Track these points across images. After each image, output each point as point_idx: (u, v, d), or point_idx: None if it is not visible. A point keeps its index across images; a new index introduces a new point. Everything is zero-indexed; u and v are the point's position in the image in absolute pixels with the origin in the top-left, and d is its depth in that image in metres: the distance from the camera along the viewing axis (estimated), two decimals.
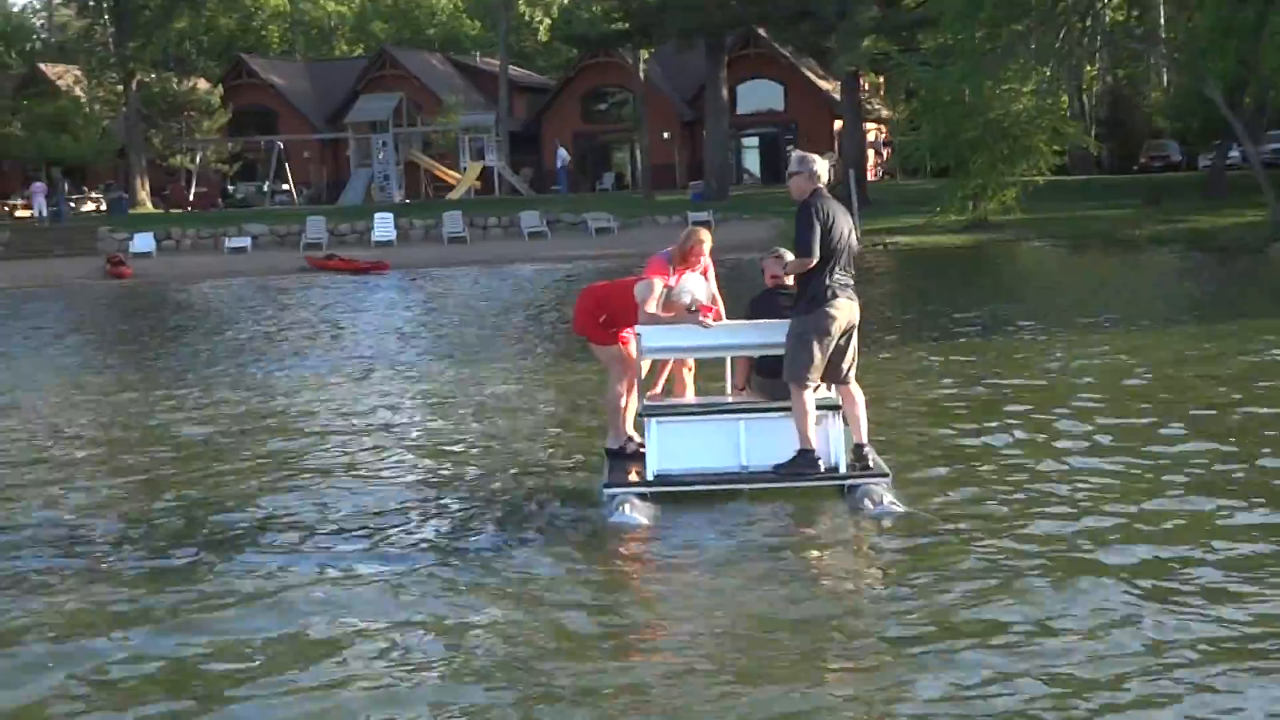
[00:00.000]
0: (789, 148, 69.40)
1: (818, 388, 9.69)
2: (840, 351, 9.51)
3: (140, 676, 6.78)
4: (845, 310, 9.46)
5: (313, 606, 7.65)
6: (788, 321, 9.58)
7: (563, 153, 69.12)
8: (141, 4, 64.12)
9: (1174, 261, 33.76)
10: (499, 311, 27.49)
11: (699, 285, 10.05)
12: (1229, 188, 49.62)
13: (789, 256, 9.90)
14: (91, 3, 66.56)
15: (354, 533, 9.35)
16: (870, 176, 61.58)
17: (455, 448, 12.40)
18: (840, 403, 9.76)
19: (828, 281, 9.36)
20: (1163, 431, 11.50)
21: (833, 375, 9.60)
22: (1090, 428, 11.79)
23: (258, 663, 6.88)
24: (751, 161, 71.46)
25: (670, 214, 49.85)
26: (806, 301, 9.45)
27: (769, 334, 9.73)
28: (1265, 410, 12.31)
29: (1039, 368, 15.84)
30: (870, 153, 66.68)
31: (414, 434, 13.30)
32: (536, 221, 51.22)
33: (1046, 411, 12.67)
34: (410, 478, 11.12)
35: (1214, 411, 12.42)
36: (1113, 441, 11.17)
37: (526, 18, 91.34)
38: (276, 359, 20.49)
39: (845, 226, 9.49)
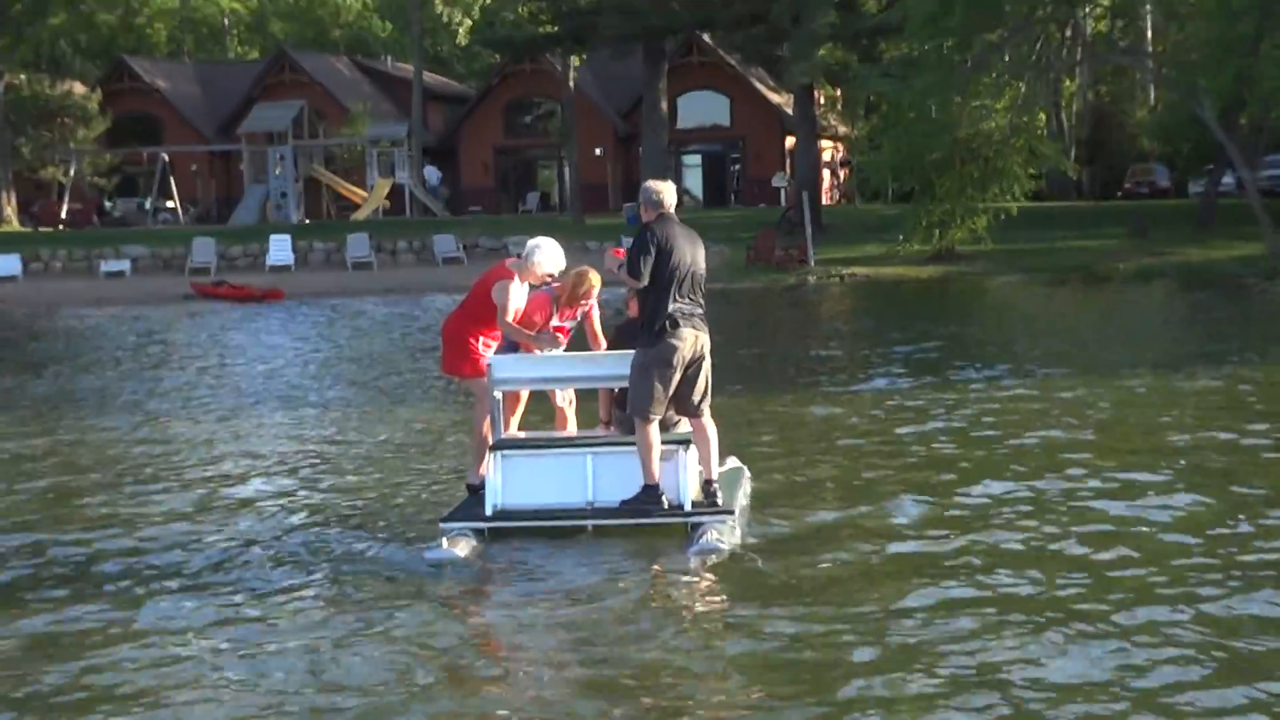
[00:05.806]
0: (735, 167, 70.39)
1: (678, 422, 10.46)
2: (689, 383, 10.17)
3: None
4: (689, 340, 10.12)
5: (141, 650, 8.28)
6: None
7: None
8: None
9: (1161, 299, 34.30)
10: (394, 345, 28.15)
11: (556, 253, 11.10)
12: (1222, 218, 50.38)
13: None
14: None
15: (193, 575, 9.98)
16: (826, 200, 62.48)
17: (312, 489, 13.02)
18: (692, 437, 10.42)
19: (670, 309, 10.05)
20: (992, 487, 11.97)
21: (683, 408, 10.29)
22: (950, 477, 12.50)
23: None
24: (693, 181, 71.16)
25: (601, 239, 50.33)
26: (647, 331, 10.15)
27: (622, 365, 10.36)
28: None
29: (940, 418, 16.24)
30: (826, 174, 67.54)
31: (272, 475, 13.86)
32: (451, 246, 51.78)
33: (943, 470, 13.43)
34: (257, 519, 11.69)
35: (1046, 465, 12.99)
36: (971, 498, 11.70)
37: (444, 18, 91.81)
38: (130, 397, 20.98)
39: (688, 253, 10.19)
